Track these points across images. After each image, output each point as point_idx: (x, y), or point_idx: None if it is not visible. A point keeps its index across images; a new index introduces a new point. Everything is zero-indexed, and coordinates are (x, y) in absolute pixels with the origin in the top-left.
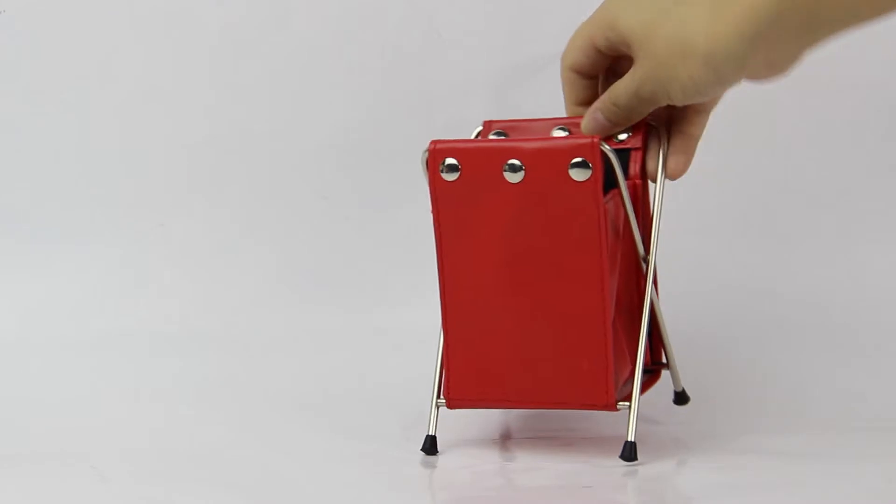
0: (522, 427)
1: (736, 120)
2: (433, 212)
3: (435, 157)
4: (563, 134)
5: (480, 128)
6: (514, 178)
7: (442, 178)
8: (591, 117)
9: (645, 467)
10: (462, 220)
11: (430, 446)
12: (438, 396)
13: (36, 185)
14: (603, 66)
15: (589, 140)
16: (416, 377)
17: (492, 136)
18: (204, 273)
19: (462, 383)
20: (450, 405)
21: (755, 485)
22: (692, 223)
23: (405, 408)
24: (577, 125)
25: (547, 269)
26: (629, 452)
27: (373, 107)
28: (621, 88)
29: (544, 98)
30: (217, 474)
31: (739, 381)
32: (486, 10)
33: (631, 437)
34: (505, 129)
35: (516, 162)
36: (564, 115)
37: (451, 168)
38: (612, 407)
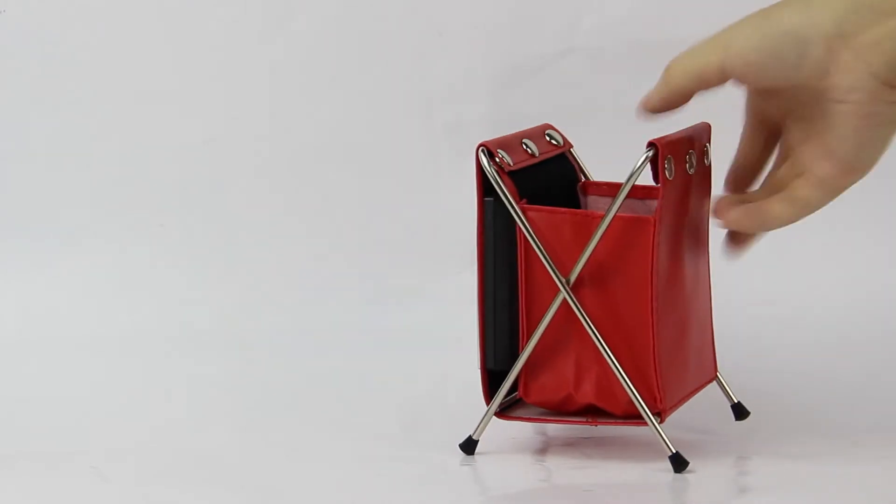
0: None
1: (736, 121)
2: (660, 210)
3: (663, 153)
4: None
5: (484, 157)
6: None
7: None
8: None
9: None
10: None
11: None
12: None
13: (36, 185)
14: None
15: None
16: (417, 377)
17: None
18: (204, 273)
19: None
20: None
21: (762, 488)
22: None
23: (405, 408)
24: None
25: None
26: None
27: (373, 107)
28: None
29: (545, 99)
30: (217, 474)
31: (741, 383)
32: (486, 10)
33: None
34: (500, 145)
35: (693, 153)
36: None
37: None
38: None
